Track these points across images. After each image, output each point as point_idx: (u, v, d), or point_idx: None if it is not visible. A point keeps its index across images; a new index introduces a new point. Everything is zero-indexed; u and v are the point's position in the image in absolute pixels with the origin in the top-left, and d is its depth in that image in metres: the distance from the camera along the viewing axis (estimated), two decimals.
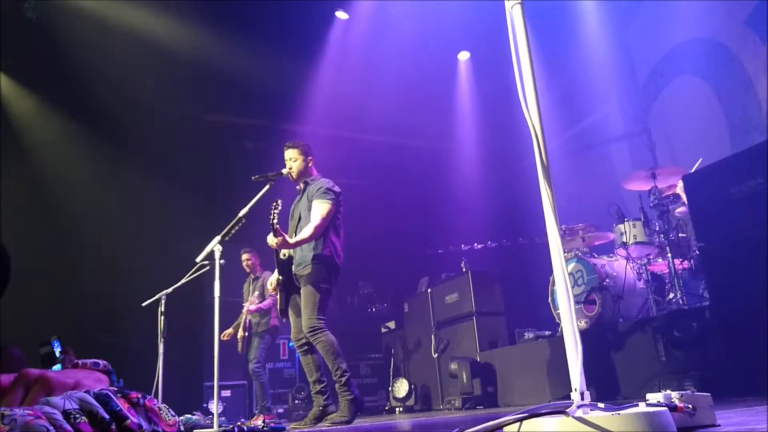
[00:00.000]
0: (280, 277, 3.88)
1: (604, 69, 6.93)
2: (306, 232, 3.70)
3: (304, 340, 3.80)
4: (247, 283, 6.21)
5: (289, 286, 3.91)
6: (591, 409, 1.36)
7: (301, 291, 3.80)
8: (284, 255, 3.92)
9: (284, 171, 3.99)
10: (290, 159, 4.04)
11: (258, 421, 3.68)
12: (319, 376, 3.81)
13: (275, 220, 3.52)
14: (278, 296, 3.95)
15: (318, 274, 3.75)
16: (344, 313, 7.62)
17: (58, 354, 3.48)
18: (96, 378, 2.81)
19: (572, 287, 4.81)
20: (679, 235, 4.42)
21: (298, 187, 4.12)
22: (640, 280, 4.69)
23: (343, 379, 3.68)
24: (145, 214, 6.84)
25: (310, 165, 4.08)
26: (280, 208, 3.52)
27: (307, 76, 7.35)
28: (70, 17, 6.16)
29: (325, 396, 3.77)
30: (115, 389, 2.50)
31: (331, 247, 3.84)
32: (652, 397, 1.60)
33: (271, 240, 3.60)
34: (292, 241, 3.67)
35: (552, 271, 1.48)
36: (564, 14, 6.83)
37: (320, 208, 3.78)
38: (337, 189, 3.93)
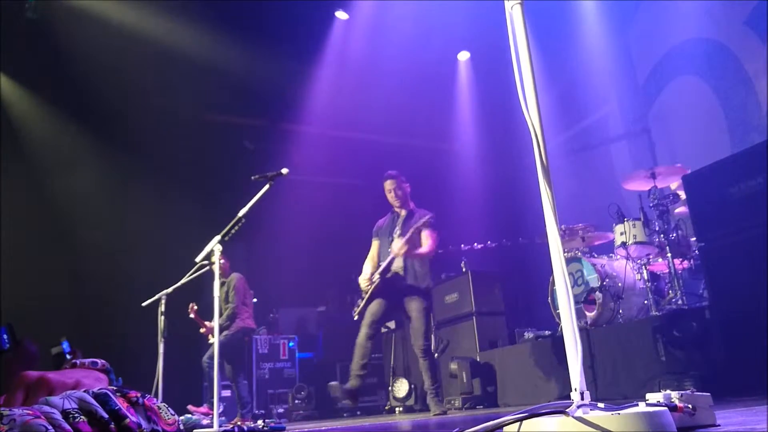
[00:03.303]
0: (379, 277, 4.50)
1: (604, 69, 6.93)
2: (424, 249, 4.55)
3: (377, 328, 4.52)
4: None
5: (382, 290, 4.51)
6: (591, 409, 1.36)
7: (415, 311, 4.48)
8: (391, 273, 4.56)
9: (284, 171, 3.99)
10: (397, 189, 4.79)
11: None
12: (366, 362, 4.42)
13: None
14: (365, 296, 4.54)
15: (428, 300, 4.58)
16: (344, 312, 7.62)
17: (68, 355, 3.48)
18: (95, 377, 2.81)
19: (572, 287, 4.80)
20: (679, 235, 4.42)
21: (396, 210, 4.84)
22: (639, 280, 4.69)
23: (434, 391, 4.49)
24: (145, 214, 6.84)
25: (409, 192, 4.86)
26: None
27: (307, 76, 7.36)
28: (70, 17, 6.15)
29: (361, 384, 4.42)
30: (114, 388, 2.50)
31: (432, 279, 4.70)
32: (652, 397, 1.60)
33: (401, 247, 4.42)
34: (417, 251, 4.50)
35: (552, 271, 1.48)
36: (564, 14, 6.82)
37: (432, 235, 4.60)
38: (437, 222, 4.67)
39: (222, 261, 5.85)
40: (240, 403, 5.72)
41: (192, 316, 5.76)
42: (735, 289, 3.15)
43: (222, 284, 5.93)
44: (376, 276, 4.53)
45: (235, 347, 5.84)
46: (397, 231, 4.68)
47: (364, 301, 4.54)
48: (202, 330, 5.90)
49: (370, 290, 4.52)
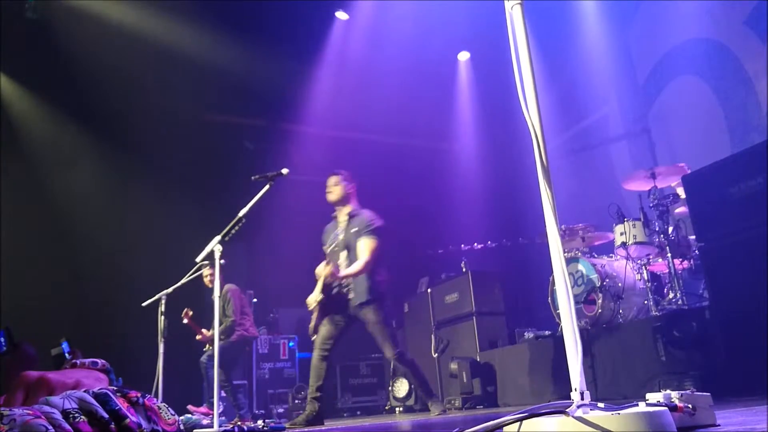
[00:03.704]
0: (322, 296, 4.13)
1: (604, 69, 6.93)
2: (357, 266, 4.06)
3: (328, 348, 4.12)
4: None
5: (328, 308, 4.18)
6: (591, 409, 1.36)
7: (370, 327, 4.20)
8: (336, 290, 4.20)
9: (284, 171, 3.99)
10: (334, 185, 4.37)
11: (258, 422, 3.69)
12: (322, 384, 4.04)
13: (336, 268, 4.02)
14: (314, 314, 4.19)
15: (380, 311, 4.18)
16: None
17: (67, 355, 3.49)
18: (95, 377, 2.81)
19: (572, 287, 4.80)
20: (679, 235, 4.42)
21: (335, 215, 4.42)
22: (640, 280, 4.69)
23: (428, 390, 4.33)
24: (145, 214, 6.84)
25: (350, 192, 4.38)
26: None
27: (307, 77, 7.36)
28: (70, 17, 6.16)
29: (320, 404, 4.02)
30: (115, 388, 2.50)
31: (383, 282, 4.23)
32: (652, 397, 1.60)
33: (324, 269, 4.04)
34: (342, 273, 4.03)
35: (552, 271, 1.48)
36: (564, 14, 6.83)
37: (369, 244, 4.11)
38: (379, 224, 4.24)
39: (211, 273, 5.81)
40: (236, 406, 5.71)
41: (186, 321, 5.67)
42: (735, 289, 3.15)
43: (218, 296, 5.78)
44: (320, 296, 4.15)
45: (234, 353, 5.80)
46: (339, 238, 4.32)
47: (313, 321, 4.20)
48: (198, 337, 5.83)
49: (316, 310, 4.17)
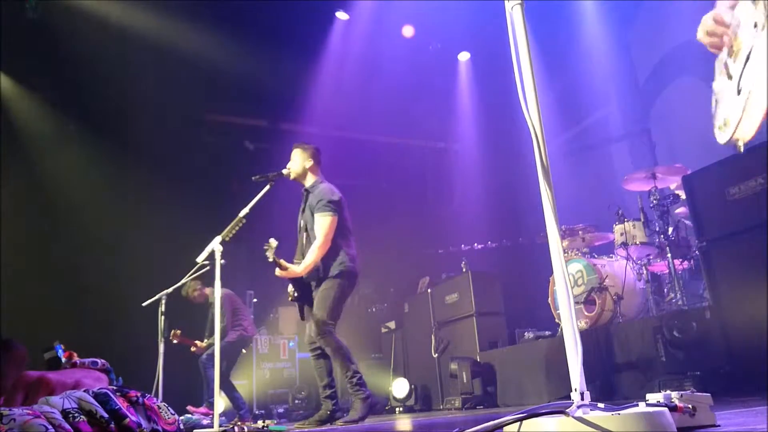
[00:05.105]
0: (296, 294, 3.93)
1: (604, 69, 6.93)
2: (311, 255, 3.76)
3: (318, 346, 3.85)
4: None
5: (304, 298, 3.94)
6: (591, 409, 1.36)
7: (317, 293, 3.84)
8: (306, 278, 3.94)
9: (284, 171, 3.99)
10: (292, 159, 4.06)
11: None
12: (329, 381, 3.86)
13: (270, 259, 3.64)
14: (297, 306, 4.02)
15: (334, 282, 3.81)
16: (344, 313, 7.60)
17: (63, 359, 3.48)
18: (95, 377, 2.81)
19: (572, 287, 4.81)
20: (679, 235, 4.42)
21: (303, 192, 4.08)
22: (640, 280, 4.69)
23: (355, 379, 3.75)
24: (145, 214, 6.84)
25: (308, 167, 4.00)
26: (275, 244, 3.63)
27: (307, 77, 7.36)
28: (70, 17, 6.16)
29: (334, 401, 3.82)
30: (114, 388, 2.50)
31: (344, 257, 3.86)
32: (652, 397, 1.60)
33: (279, 273, 3.75)
34: (300, 269, 3.76)
35: (552, 271, 1.48)
36: (564, 15, 6.82)
37: (322, 223, 3.79)
38: (336, 197, 3.87)
39: (199, 288, 5.82)
40: (235, 405, 5.73)
41: (176, 341, 5.62)
42: (735, 289, 3.15)
43: (210, 305, 5.76)
44: (293, 293, 3.95)
45: (232, 354, 5.80)
46: (300, 219, 4.05)
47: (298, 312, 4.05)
48: (193, 349, 5.84)
49: (296, 303, 3.99)
